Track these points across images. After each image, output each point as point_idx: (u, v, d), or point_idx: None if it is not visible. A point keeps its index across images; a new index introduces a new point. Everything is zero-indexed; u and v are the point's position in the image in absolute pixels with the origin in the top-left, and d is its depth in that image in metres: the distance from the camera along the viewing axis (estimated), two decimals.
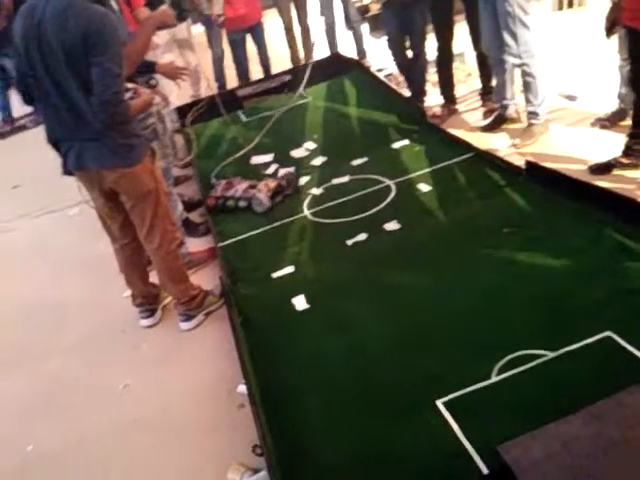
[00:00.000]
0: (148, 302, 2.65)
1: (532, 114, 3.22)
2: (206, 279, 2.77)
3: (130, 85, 2.18)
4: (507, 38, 3.05)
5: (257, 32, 5.10)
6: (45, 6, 1.95)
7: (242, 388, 2.05)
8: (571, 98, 3.53)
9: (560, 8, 5.22)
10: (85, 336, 2.73)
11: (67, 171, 2.28)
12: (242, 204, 3.20)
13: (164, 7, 4.30)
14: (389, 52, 4.00)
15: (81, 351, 2.60)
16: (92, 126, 2.06)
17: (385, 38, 4.00)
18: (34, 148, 6.30)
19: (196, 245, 3.09)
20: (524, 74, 3.15)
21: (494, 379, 1.71)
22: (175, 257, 2.48)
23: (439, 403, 1.68)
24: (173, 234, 2.47)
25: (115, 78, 1.96)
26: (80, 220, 3.86)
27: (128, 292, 2.74)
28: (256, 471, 1.73)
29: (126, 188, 2.25)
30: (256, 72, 5.41)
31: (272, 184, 3.20)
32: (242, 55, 5.23)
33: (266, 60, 5.33)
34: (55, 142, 2.24)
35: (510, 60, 3.15)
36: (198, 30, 5.65)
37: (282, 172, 3.42)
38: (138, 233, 2.42)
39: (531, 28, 3.02)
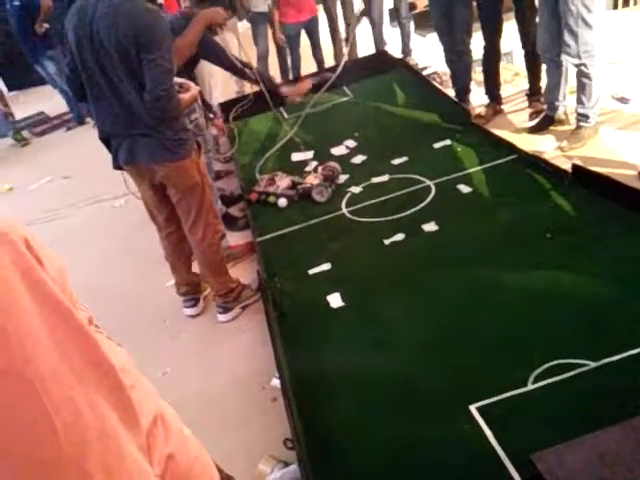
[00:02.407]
0: (192, 291, 2.72)
1: (582, 116, 3.12)
2: (244, 273, 2.82)
3: (178, 80, 2.22)
4: (567, 37, 2.93)
5: (312, 26, 5.14)
6: (96, 5, 2.00)
7: (276, 382, 2.08)
8: (623, 101, 3.41)
9: (615, 7, 5.04)
10: (128, 323, 2.82)
11: (117, 166, 2.35)
12: (282, 203, 3.23)
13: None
14: (439, 47, 3.96)
15: (123, 338, 2.65)
16: (144, 121, 2.12)
17: (430, 36, 3.96)
18: (86, 142, 6.56)
19: (235, 239, 3.15)
20: (580, 75, 3.03)
21: (530, 387, 1.68)
22: (217, 250, 2.54)
23: (472, 408, 1.66)
24: (216, 226, 2.52)
25: (167, 74, 2.01)
26: (126, 211, 3.99)
27: (171, 282, 2.82)
28: (287, 464, 1.76)
29: (175, 181, 2.30)
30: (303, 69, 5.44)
31: (320, 175, 3.26)
32: (297, 51, 5.28)
33: (320, 55, 5.37)
34: (106, 138, 2.30)
35: (568, 60, 3.06)
36: (244, 26, 5.74)
37: (321, 166, 3.44)
38: (183, 225, 2.48)
39: (594, 27, 2.87)
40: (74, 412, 0.46)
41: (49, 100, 8.12)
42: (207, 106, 3.12)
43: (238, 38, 5.00)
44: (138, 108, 2.09)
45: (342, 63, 4.25)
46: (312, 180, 3.25)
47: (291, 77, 5.48)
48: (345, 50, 5.26)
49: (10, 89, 10.03)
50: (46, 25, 6.19)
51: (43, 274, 0.50)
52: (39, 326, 0.46)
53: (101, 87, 2.10)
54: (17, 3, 6.13)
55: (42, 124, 7.55)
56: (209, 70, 3.36)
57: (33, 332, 0.45)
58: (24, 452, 0.44)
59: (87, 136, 6.62)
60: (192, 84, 2.28)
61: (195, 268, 2.72)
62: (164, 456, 0.67)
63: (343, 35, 5.71)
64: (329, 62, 5.47)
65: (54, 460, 0.45)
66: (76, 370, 0.48)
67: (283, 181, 3.35)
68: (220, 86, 3.82)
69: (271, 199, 3.31)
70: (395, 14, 5.36)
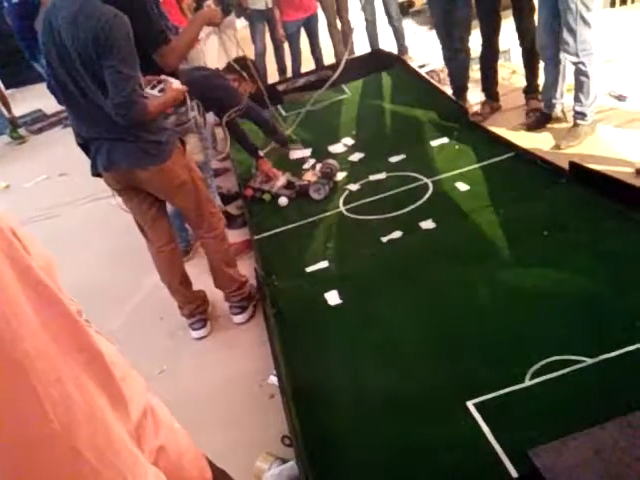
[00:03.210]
0: (197, 310, 2.58)
1: (579, 114, 3.12)
2: (242, 270, 2.81)
3: (162, 77, 2.17)
4: (566, 35, 2.94)
5: (312, 23, 5.14)
6: (58, 11, 1.94)
7: (273, 379, 2.08)
8: (620, 98, 3.41)
9: (612, 5, 5.05)
10: (124, 321, 2.83)
11: (96, 172, 2.26)
12: (282, 202, 3.23)
13: (209, 2, 4.37)
14: (437, 45, 3.97)
15: (120, 336, 2.68)
16: (118, 125, 2.04)
17: (428, 33, 3.96)
18: None
19: (232, 236, 3.15)
20: (578, 73, 3.04)
21: (527, 383, 1.68)
22: (224, 239, 2.51)
23: (470, 404, 1.66)
24: (217, 215, 2.49)
25: (126, 81, 1.93)
26: (123, 209, 3.98)
27: None
28: (284, 461, 1.76)
29: (159, 184, 2.23)
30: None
31: (319, 172, 3.26)
32: (297, 48, 5.28)
33: (319, 54, 5.37)
34: (84, 144, 2.23)
35: (566, 58, 3.06)
36: (241, 24, 5.73)
37: (319, 164, 3.43)
38: (187, 222, 2.46)
39: (592, 26, 2.88)
40: (62, 392, 0.46)
41: (46, 98, 8.06)
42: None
43: (235, 36, 5.00)
44: (110, 112, 2.01)
45: (343, 61, 4.26)
46: (310, 177, 3.25)
47: (290, 74, 5.48)
48: (346, 48, 5.27)
49: (7, 87, 9.98)
50: None
51: (32, 261, 0.50)
52: (27, 309, 0.46)
53: (72, 93, 2.04)
54: (15, 0, 6.11)
55: (39, 122, 7.52)
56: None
57: (21, 314, 0.45)
58: (12, 431, 0.44)
59: None
60: (176, 82, 2.18)
61: (196, 285, 2.62)
62: (154, 448, 0.67)
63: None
64: (328, 60, 5.47)
65: (43, 438, 0.45)
66: (64, 352, 0.48)
67: (280, 179, 3.35)
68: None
69: (266, 196, 3.31)
70: (387, 15, 5.37)
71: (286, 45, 5.39)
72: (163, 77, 2.16)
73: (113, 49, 1.90)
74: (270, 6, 5.02)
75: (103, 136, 2.12)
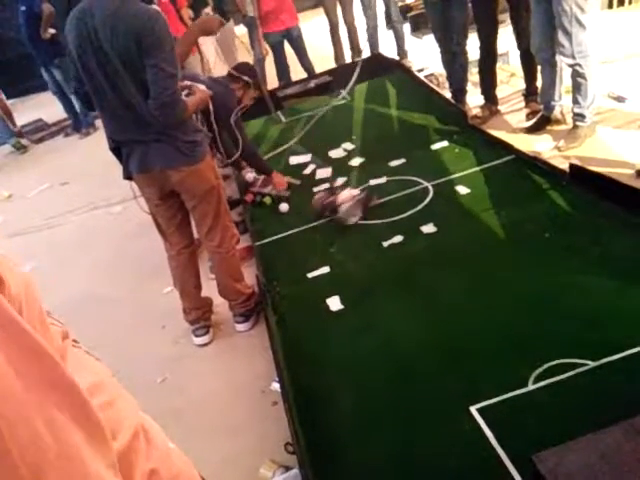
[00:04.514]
0: (202, 317, 2.57)
1: (578, 116, 3.12)
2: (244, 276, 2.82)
3: (187, 83, 2.19)
4: (561, 37, 2.94)
5: (292, 36, 5.14)
6: (94, 11, 1.93)
7: (276, 386, 2.07)
8: (620, 99, 3.41)
9: (610, 6, 5.06)
10: (126, 330, 2.82)
11: (128, 176, 2.26)
12: (284, 208, 3.22)
13: (207, 10, 4.40)
14: (435, 49, 3.98)
15: (121, 345, 2.68)
16: (154, 127, 2.05)
17: (427, 37, 3.98)
18: (84, 148, 6.56)
19: None
20: (575, 75, 3.04)
21: (530, 387, 1.67)
22: (234, 254, 2.50)
23: (473, 409, 1.66)
24: (232, 230, 2.48)
25: (170, 78, 1.94)
26: (123, 218, 3.99)
27: (169, 288, 2.81)
28: (288, 468, 1.76)
29: (191, 186, 2.22)
30: (301, 72, 5.45)
31: (356, 196, 2.89)
32: (281, 59, 5.30)
33: (307, 64, 5.36)
34: (116, 148, 2.23)
35: (562, 60, 3.07)
36: (241, 31, 5.75)
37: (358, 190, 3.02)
38: (198, 231, 2.42)
39: (588, 27, 2.89)
40: (31, 433, 0.44)
41: (47, 107, 8.13)
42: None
43: (235, 42, 5.04)
44: (147, 113, 2.02)
45: (360, 63, 4.31)
46: (346, 198, 2.89)
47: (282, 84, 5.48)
48: (357, 52, 5.31)
49: (8, 97, 10.03)
50: (52, 30, 6.17)
51: (2, 297, 0.47)
52: None
53: (108, 96, 2.04)
54: (23, 8, 6.16)
55: (40, 131, 7.57)
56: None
57: None
58: None
59: (85, 143, 6.63)
60: (201, 86, 2.20)
61: (205, 292, 2.63)
62: (146, 471, 0.65)
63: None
64: (324, 66, 5.48)
65: None
66: (34, 390, 0.45)
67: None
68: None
69: (267, 200, 3.32)
70: (387, 18, 5.40)
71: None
72: (188, 82, 2.18)
73: (157, 47, 1.91)
74: (253, 14, 5.03)
75: (138, 138, 2.13)
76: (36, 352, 0.48)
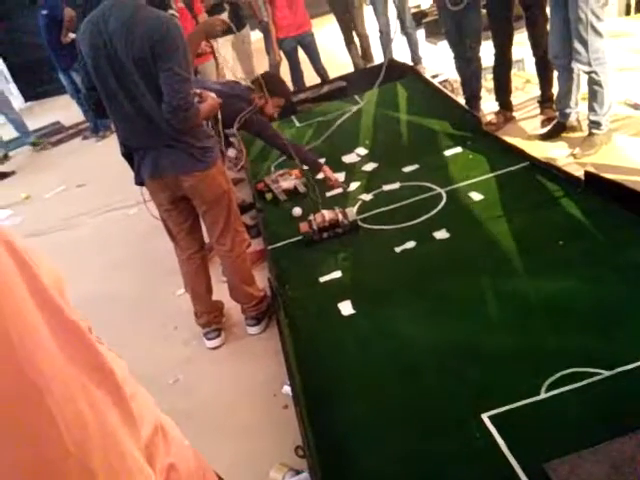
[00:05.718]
0: (214, 320, 2.58)
1: (594, 123, 3.10)
2: (255, 280, 2.83)
3: (197, 90, 2.22)
4: (577, 45, 2.94)
5: (305, 42, 5.17)
6: (108, 18, 1.95)
7: (287, 389, 2.08)
8: (637, 107, 3.39)
9: (627, 13, 5.02)
10: (139, 331, 2.85)
11: (140, 182, 2.28)
12: (297, 212, 3.25)
13: (223, 16, 4.44)
14: (450, 55, 3.98)
15: (134, 346, 2.71)
16: (167, 132, 2.07)
17: (441, 43, 3.99)
18: (100, 151, 6.65)
19: None
20: (592, 82, 3.03)
21: (543, 395, 1.66)
22: (245, 259, 2.50)
23: (485, 417, 1.65)
24: (243, 235, 2.49)
25: (184, 83, 1.96)
26: (138, 219, 4.03)
27: (181, 290, 2.83)
28: (298, 472, 1.76)
29: (203, 191, 2.23)
30: (315, 77, 5.49)
31: (328, 216, 2.86)
32: (295, 64, 5.33)
33: (321, 69, 5.39)
34: (128, 153, 2.24)
35: (579, 67, 3.05)
36: (256, 37, 5.81)
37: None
38: (209, 236, 2.43)
39: (604, 35, 2.89)
40: (76, 411, 0.47)
41: (64, 110, 8.25)
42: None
43: (250, 50, 5.07)
44: (160, 119, 2.03)
45: (385, 65, 4.34)
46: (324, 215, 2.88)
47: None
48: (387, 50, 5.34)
49: (26, 99, 10.21)
50: (72, 35, 6.25)
51: (45, 282, 0.51)
52: (44, 330, 0.47)
53: (121, 101, 2.05)
54: (44, 12, 6.25)
55: (57, 133, 7.68)
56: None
57: (36, 335, 0.46)
58: (28, 453, 0.44)
59: (101, 145, 6.72)
60: (211, 94, 2.22)
61: (217, 295, 2.64)
62: (165, 466, 0.67)
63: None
64: (338, 72, 5.50)
65: (58, 460, 0.45)
66: (79, 372, 0.49)
67: (287, 182, 3.45)
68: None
69: (268, 196, 3.44)
70: (401, 25, 5.42)
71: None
72: (198, 90, 2.21)
73: (171, 51, 1.92)
74: (267, 20, 5.07)
75: (150, 144, 2.14)
76: (80, 338, 0.52)
